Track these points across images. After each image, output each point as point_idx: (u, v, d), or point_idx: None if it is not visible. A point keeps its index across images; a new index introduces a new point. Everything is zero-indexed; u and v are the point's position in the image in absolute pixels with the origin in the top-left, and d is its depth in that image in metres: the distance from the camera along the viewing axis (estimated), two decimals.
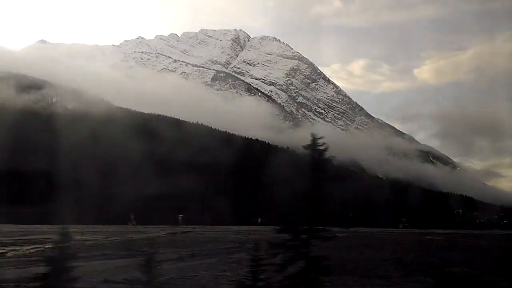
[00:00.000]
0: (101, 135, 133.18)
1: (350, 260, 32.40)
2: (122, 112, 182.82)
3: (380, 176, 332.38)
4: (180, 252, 38.31)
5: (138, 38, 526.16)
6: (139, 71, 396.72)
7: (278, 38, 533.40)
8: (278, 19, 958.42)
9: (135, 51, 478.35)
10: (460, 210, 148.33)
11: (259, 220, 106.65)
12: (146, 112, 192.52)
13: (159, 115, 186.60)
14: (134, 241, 47.72)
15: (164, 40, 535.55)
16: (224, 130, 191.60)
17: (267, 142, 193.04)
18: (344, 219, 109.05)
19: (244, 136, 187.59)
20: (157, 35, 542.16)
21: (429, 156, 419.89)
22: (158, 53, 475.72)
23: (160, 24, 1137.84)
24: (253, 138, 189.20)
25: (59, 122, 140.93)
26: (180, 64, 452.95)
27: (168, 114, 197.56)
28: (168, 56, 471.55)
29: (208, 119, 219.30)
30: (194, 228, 76.84)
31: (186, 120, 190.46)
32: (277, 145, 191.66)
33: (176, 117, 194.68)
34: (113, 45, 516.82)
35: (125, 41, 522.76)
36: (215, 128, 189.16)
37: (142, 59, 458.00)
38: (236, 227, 79.34)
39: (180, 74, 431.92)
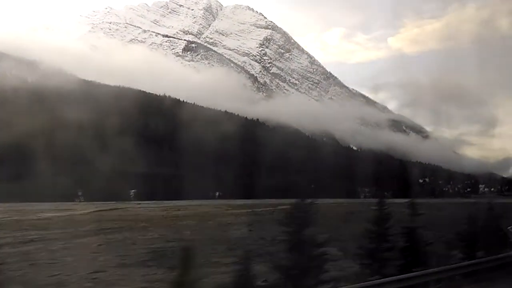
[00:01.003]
0: (60, 108, 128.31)
1: None
2: (85, 84, 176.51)
3: (353, 147, 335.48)
4: (31, 235, 32.61)
5: (106, 8, 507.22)
6: (106, 42, 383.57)
7: (251, 7, 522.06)
8: None
9: (103, 22, 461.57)
10: (426, 179, 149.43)
11: (217, 194, 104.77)
12: (111, 84, 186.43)
13: (123, 87, 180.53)
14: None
15: (133, 10, 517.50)
16: (192, 102, 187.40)
17: (236, 114, 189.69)
18: (308, 190, 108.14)
19: (212, 108, 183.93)
20: (126, 5, 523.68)
21: (401, 125, 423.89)
22: (127, 23, 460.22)
23: None
24: (221, 109, 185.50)
25: (17, 95, 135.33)
26: (150, 34, 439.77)
27: (134, 86, 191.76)
28: (138, 27, 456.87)
29: (177, 91, 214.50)
30: (139, 203, 73.98)
31: (151, 92, 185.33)
32: (246, 117, 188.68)
33: (141, 89, 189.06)
34: (80, 15, 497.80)
35: (94, 11, 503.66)
36: (183, 100, 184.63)
37: (110, 29, 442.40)
38: (185, 202, 76.41)
39: (150, 45, 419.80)
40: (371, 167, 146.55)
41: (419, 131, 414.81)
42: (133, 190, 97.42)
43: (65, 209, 56.36)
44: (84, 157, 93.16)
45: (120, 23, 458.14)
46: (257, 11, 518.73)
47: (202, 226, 36.99)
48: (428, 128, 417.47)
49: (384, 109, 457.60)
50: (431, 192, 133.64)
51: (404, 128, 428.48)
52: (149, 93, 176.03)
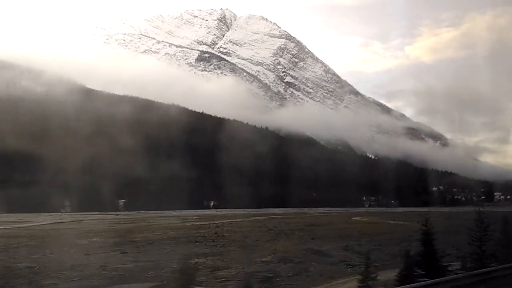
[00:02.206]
0: (62, 117, 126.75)
1: None
2: (93, 94, 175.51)
3: (369, 155, 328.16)
4: None
5: (122, 20, 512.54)
6: (120, 53, 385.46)
7: (265, 17, 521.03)
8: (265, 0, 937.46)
9: (118, 33, 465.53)
10: (440, 187, 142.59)
11: (212, 204, 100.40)
12: (120, 93, 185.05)
13: (130, 96, 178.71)
14: None
15: (149, 21, 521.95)
16: (200, 111, 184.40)
17: (245, 122, 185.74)
18: (312, 199, 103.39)
19: (220, 116, 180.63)
20: (141, 16, 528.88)
21: (419, 133, 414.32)
22: (142, 35, 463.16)
23: (146, 6, 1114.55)
24: (230, 118, 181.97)
25: (27, 105, 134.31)
26: (164, 45, 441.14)
27: (144, 96, 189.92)
28: (152, 37, 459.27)
29: (187, 100, 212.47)
30: (118, 214, 70.09)
31: (160, 101, 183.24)
32: (255, 125, 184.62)
33: (151, 98, 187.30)
34: (96, 27, 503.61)
35: (109, 23, 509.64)
36: (190, 109, 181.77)
37: (124, 40, 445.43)
38: (175, 212, 72.29)
39: (164, 55, 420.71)
40: (382, 175, 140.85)
41: (438, 138, 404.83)
42: (122, 200, 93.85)
43: (25, 221, 52.20)
44: (79, 167, 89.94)
45: (134, 34, 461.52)
46: (271, 21, 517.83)
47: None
48: (447, 136, 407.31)
49: (401, 117, 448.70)
50: (442, 200, 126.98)
51: (423, 136, 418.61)
52: (156, 101, 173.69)
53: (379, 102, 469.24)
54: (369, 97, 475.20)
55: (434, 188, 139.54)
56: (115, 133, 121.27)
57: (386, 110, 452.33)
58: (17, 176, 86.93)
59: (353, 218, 56.92)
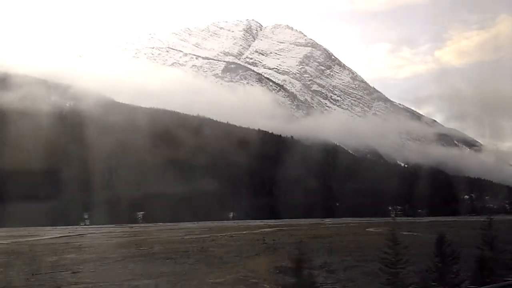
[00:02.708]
0: (88, 131, 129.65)
1: None
2: (120, 107, 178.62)
3: (399, 162, 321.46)
4: None
5: (150, 34, 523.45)
6: (148, 67, 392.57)
7: (290, 26, 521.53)
8: (291, 8, 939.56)
9: (146, 47, 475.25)
10: (472, 195, 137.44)
11: (231, 215, 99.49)
12: (146, 106, 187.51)
13: (156, 109, 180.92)
14: None
15: (176, 34, 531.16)
16: (226, 122, 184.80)
17: (270, 132, 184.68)
18: (334, 209, 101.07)
19: (244, 126, 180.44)
20: (169, 30, 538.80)
21: (452, 139, 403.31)
22: (169, 48, 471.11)
23: (173, 19, 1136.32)
24: (255, 128, 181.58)
25: (55, 120, 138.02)
26: (191, 57, 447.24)
27: (171, 108, 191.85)
28: (179, 50, 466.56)
29: (213, 111, 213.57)
30: (132, 227, 70.13)
31: (186, 113, 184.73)
32: (280, 135, 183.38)
33: (177, 110, 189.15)
34: (126, 42, 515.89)
35: (138, 37, 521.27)
36: (216, 120, 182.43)
37: (153, 54, 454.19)
38: (191, 224, 71.78)
39: (191, 67, 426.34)
40: (411, 183, 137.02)
41: (471, 144, 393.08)
42: (141, 213, 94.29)
43: (31, 235, 52.32)
44: (101, 179, 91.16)
45: (162, 48, 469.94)
46: (296, 30, 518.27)
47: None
48: (480, 141, 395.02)
49: (432, 122, 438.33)
50: (473, 208, 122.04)
51: (455, 142, 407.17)
52: (181, 113, 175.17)
53: (409, 108, 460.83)
54: (399, 103, 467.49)
55: (466, 196, 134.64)
56: (139, 145, 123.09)
57: (416, 116, 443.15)
58: (42, 190, 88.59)
59: (367, 229, 54.85)
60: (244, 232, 52.60)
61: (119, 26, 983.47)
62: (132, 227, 70.39)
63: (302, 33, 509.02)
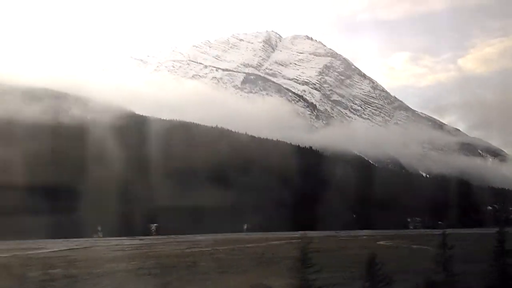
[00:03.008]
0: (106, 142, 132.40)
1: None
2: (139, 119, 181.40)
3: (421, 173, 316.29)
4: None
5: (172, 48, 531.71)
6: (169, 79, 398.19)
7: (310, 36, 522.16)
8: (310, 19, 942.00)
9: (168, 60, 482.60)
10: (495, 206, 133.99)
11: (245, 227, 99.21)
12: (165, 118, 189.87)
13: (174, 121, 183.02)
14: None
15: (197, 47, 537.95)
16: (244, 132, 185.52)
17: (288, 142, 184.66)
18: (351, 221, 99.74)
19: (263, 137, 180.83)
20: (190, 43, 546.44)
21: (476, 148, 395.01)
22: (190, 61, 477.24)
23: (194, 32, 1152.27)
24: (269, 138, 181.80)
25: (75, 132, 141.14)
26: (211, 69, 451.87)
27: (190, 120, 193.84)
28: (200, 63, 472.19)
29: (232, 122, 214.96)
30: (142, 239, 70.70)
31: (205, 124, 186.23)
32: (299, 145, 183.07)
33: (196, 122, 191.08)
34: (148, 55, 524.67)
35: (160, 51, 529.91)
36: (234, 131, 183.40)
37: (174, 67, 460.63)
38: (201, 237, 71.76)
39: (211, 79, 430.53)
40: (432, 194, 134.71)
41: (496, 153, 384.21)
42: (154, 225, 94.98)
43: (37, 248, 53.13)
44: (117, 192, 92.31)
45: (183, 61, 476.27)
46: (316, 40, 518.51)
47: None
48: (505, 151, 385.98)
49: (455, 132, 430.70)
50: (496, 220, 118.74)
51: (480, 151, 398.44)
52: (199, 124, 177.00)
53: (432, 117, 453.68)
54: (421, 113, 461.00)
55: (489, 207, 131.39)
56: (156, 157, 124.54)
57: (439, 125, 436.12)
58: (61, 202, 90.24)
59: (378, 243, 53.94)
60: (250, 245, 52.34)
61: (142, 40, 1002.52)
62: (142, 239, 71.12)
63: (322, 43, 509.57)
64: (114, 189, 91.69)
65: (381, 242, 53.62)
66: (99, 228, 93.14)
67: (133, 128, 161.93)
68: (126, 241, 66.07)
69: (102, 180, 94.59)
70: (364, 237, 67.62)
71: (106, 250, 50.19)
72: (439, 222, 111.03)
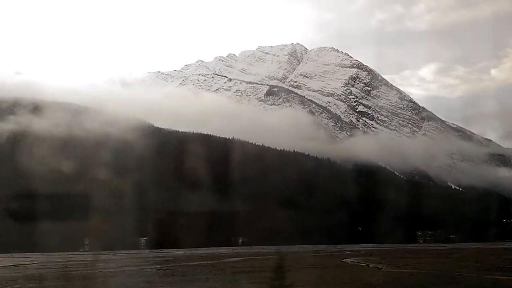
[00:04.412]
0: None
1: None
2: (157, 131, 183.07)
3: (451, 185, 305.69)
4: None
5: (197, 62, 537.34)
6: (191, 92, 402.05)
7: (336, 48, 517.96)
8: (337, 32, 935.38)
9: (193, 74, 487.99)
10: None
11: (240, 241, 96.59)
12: (182, 130, 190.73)
13: (192, 133, 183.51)
14: None
15: (222, 61, 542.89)
16: (261, 144, 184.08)
17: (306, 153, 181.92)
18: (354, 234, 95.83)
19: (279, 148, 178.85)
20: (216, 57, 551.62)
21: (509, 159, 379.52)
22: (214, 74, 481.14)
23: (219, 46, 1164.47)
24: (287, 149, 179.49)
25: (91, 147, 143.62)
26: (235, 82, 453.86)
27: (212, 132, 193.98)
28: (224, 76, 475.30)
29: (253, 134, 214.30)
30: (128, 253, 69.10)
31: (223, 136, 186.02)
32: (316, 156, 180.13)
33: (215, 134, 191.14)
34: (174, 70, 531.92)
35: (186, 65, 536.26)
36: (251, 142, 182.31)
37: (199, 81, 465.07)
38: (189, 251, 69.97)
39: (235, 92, 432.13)
40: (452, 206, 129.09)
41: None
42: (144, 238, 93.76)
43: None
44: (109, 203, 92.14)
45: (208, 74, 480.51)
46: (342, 52, 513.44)
47: None
48: None
49: (487, 142, 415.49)
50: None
51: None
52: (216, 136, 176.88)
53: (462, 128, 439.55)
54: (452, 123, 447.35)
55: (505, 220, 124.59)
56: (168, 168, 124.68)
57: (470, 136, 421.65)
58: (67, 214, 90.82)
59: (342, 260, 49.48)
60: (232, 259, 49.99)
61: (169, 54, 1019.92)
62: (128, 253, 70.18)
63: (348, 55, 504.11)
64: (104, 201, 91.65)
65: (346, 260, 49.42)
66: (86, 242, 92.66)
67: (149, 140, 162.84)
68: (108, 256, 64.78)
69: (90, 191, 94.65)
70: (347, 252, 63.87)
71: (63, 268, 48.09)
72: (451, 236, 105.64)
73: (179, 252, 70.87)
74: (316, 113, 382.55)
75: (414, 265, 40.42)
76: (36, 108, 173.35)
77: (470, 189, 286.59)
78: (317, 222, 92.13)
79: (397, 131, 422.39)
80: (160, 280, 32.03)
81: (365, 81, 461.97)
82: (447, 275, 17.87)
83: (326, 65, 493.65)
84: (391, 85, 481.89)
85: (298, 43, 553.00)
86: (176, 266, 44.69)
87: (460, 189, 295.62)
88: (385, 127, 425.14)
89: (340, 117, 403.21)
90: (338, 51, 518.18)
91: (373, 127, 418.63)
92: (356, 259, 49.16)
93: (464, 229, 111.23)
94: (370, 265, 41.71)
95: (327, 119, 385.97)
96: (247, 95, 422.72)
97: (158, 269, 40.05)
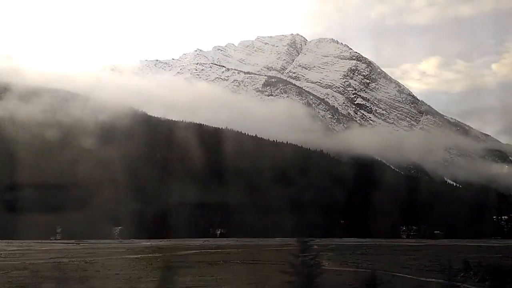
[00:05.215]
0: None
1: None
2: (150, 120, 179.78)
3: (447, 180, 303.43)
4: None
5: (196, 51, 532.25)
6: (191, 82, 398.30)
7: (336, 40, 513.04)
8: (337, 23, 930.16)
9: (191, 63, 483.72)
10: None
11: (218, 232, 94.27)
12: (174, 119, 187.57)
13: (184, 122, 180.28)
14: None
15: (221, 50, 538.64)
16: (254, 135, 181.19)
17: (299, 145, 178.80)
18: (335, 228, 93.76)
19: (272, 139, 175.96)
20: (214, 46, 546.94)
21: (507, 155, 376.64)
22: (212, 64, 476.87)
23: (218, 35, 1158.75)
24: (278, 141, 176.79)
25: (86, 134, 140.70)
26: (233, 72, 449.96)
27: (206, 122, 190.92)
28: (222, 66, 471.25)
29: (246, 124, 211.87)
30: (78, 243, 66.81)
31: (217, 126, 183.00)
32: (308, 148, 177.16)
33: (207, 123, 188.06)
34: (172, 59, 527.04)
35: (184, 54, 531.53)
36: (244, 133, 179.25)
37: (196, 70, 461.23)
38: (163, 242, 67.46)
39: (232, 82, 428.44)
40: (443, 201, 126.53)
41: None
42: (118, 228, 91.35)
43: None
44: (84, 193, 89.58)
45: (206, 64, 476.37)
46: (342, 43, 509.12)
47: None
48: None
49: (486, 138, 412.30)
50: (508, 230, 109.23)
51: (511, 158, 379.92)
52: (207, 126, 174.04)
53: (460, 123, 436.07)
54: (451, 118, 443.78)
55: (505, 217, 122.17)
56: (145, 157, 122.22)
57: (468, 131, 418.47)
58: (50, 202, 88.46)
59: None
60: (186, 252, 47.64)
61: (168, 43, 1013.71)
62: (79, 243, 67.86)
63: (348, 46, 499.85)
64: (79, 191, 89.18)
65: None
66: (58, 230, 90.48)
67: (141, 127, 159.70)
68: (70, 246, 62.27)
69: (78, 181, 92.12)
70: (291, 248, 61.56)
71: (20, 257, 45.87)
72: (436, 232, 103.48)
73: (144, 243, 68.33)
74: (313, 105, 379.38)
75: (359, 263, 38.29)
76: (24, 94, 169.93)
77: (466, 184, 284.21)
78: (303, 216, 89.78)
79: (395, 124, 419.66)
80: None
81: (364, 74, 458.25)
82: (379, 276, 16.26)
83: (325, 56, 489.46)
84: (390, 78, 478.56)
85: (297, 34, 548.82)
86: (102, 259, 41.84)
87: (456, 185, 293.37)
88: (383, 120, 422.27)
89: (338, 109, 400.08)
90: (338, 42, 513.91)
91: (371, 120, 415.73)
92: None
93: (452, 225, 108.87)
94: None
95: (324, 111, 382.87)
96: (244, 86, 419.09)
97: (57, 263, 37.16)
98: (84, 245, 65.15)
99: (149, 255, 47.36)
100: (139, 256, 45.63)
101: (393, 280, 26.43)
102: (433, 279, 28.15)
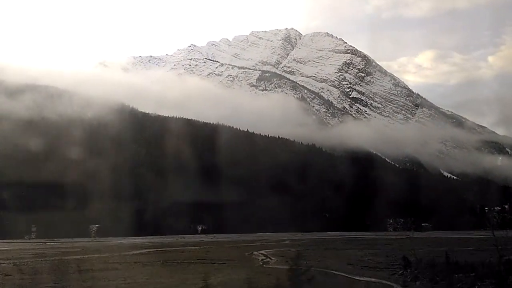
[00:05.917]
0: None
1: None
2: (139, 115, 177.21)
3: (442, 172, 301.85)
4: None
5: (190, 46, 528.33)
6: (184, 78, 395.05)
7: (330, 33, 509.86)
8: (333, 17, 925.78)
9: (185, 59, 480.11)
10: (505, 206, 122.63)
11: (200, 228, 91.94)
12: (165, 114, 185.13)
13: (175, 117, 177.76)
14: None
15: (215, 45, 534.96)
16: (245, 129, 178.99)
17: (291, 139, 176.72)
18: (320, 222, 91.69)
19: (263, 134, 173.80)
20: (208, 41, 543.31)
21: (504, 146, 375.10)
22: (206, 59, 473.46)
23: (212, 30, 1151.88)
24: (270, 135, 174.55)
25: (75, 130, 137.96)
26: (227, 67, 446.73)
27: (199, 118, 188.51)
28: (216, 61, 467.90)
29: (238, 119, 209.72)
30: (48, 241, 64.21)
31: (208, 121, 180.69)
32: (301, 142, 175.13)
33: (199, 119, 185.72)
34: (166, 54, 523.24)
35: (178, 49, 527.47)
36: (235, 127, 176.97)
37: (190, 65, 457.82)
38: (138, 240, 65.23)
39: (226, 77, 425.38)
40: (435, 193, 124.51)
41: None
42: (96, 226, 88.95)
43: None
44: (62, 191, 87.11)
45: (200, 59, 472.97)
46: (336, 37, 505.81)
47: None
48: None
49: (482, 130, 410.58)
50: (503, 221, 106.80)
51: (508, 150, 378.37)
52: (198, 121, 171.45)
53: (457, 115, 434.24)
54: (447, 110, 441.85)
55: (497, 208, 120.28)
56: (133, 153, 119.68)
57: (464, 123, 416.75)
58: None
59: (254, 253, 44.16)
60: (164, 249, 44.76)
61: (162, 39, 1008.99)
62: (52, 242, 65.61)
63: (343, 40, 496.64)
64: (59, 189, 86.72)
65: (259, 252, 44.02)
66: (33, 229, 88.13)
67: (130, 123, 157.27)
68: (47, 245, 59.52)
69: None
70: (276, 242, 59.64)
71: None
72: (424, 224, 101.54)
73: (116, 241, 66.08)
74: (308, 99, 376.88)
75: (308, 260, 35.58)
76: (11, 91, 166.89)
77: (463, 176, 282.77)
78: (291, 210, 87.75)
79: (390, 117, 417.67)
80: None
81: (359, 67, 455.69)
82: (310, 274, 14.17)
83: (320, 50, 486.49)
84: (386, 71, 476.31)
85: (292, 28, 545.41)
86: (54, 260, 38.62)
87: (452, 177, 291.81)
88: (378, 113, 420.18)
89: (333, 103, 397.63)
90: (332, 36, 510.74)
91: (366, 113, 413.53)
92: (271, 251, 44.48)
93: (443, 217, 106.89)
94: (265, 259, 37.02)
95: (319, 105, 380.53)
96: (238, 80, 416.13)
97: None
98: (51, 244, 62.70)
99: (77, 257, 42.53)
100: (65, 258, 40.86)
101: (324, 279, 23.76)
102: (369, 278, 25.65)
